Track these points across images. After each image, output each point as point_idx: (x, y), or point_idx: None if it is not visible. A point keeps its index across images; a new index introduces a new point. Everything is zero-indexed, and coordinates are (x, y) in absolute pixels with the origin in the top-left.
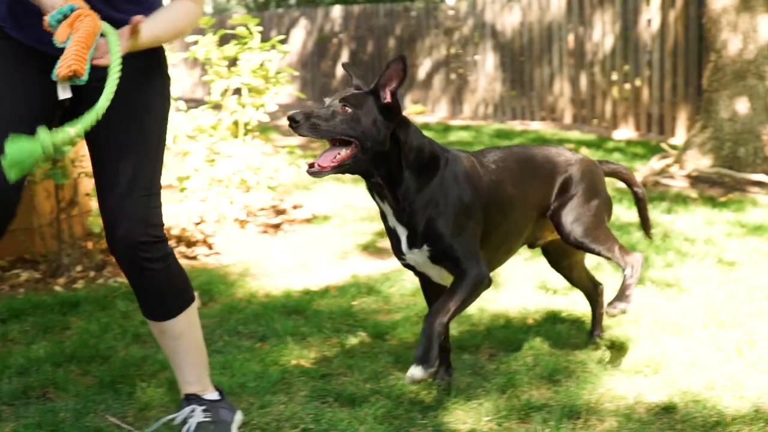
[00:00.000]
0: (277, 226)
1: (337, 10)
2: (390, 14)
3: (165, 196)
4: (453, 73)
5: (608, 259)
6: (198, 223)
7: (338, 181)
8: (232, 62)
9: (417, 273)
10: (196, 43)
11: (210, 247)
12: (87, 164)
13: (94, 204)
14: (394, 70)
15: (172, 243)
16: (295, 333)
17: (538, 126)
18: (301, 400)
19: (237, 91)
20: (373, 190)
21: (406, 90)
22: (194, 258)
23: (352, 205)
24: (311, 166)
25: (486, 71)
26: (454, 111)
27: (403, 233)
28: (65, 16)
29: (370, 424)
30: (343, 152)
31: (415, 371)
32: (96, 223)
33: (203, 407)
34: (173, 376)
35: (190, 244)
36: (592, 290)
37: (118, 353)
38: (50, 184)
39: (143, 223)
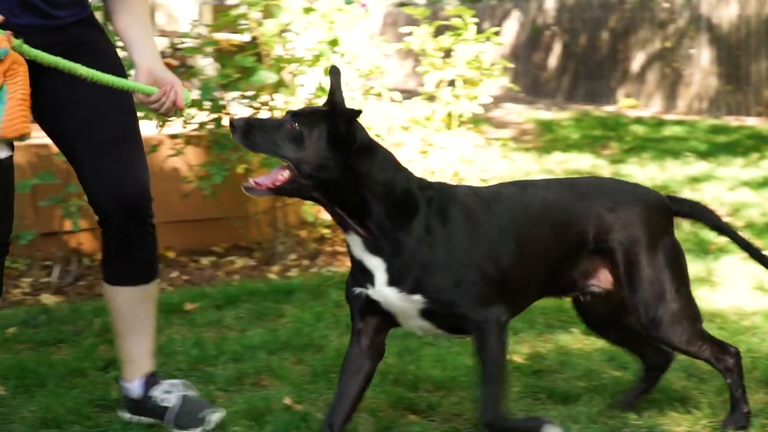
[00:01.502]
0: None
1: (550, 2)
2: (604, 6)
3: None
4: (667, 67)
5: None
6: None
7: (550, 174)
8: (447, 53)
9: (364, 316)
10: (410, 34)
11: None
12: None
13: None
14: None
15: None
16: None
17: (753, 122)
18: (513, 396)
19: (451, 83)
20: (333, 217)
21: (619, 83)
22: None
23: None
24: (247, 182)
25: (701, 65)
26: (667, 106)
27: (379, 267)
28: None
29: (584, 424)
30: (285, 174)
31: None
32: (310, 212)
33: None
34: (387, 369)
35: None
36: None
37: (331, 342)
38: (265, 172)
39: (148, 186)
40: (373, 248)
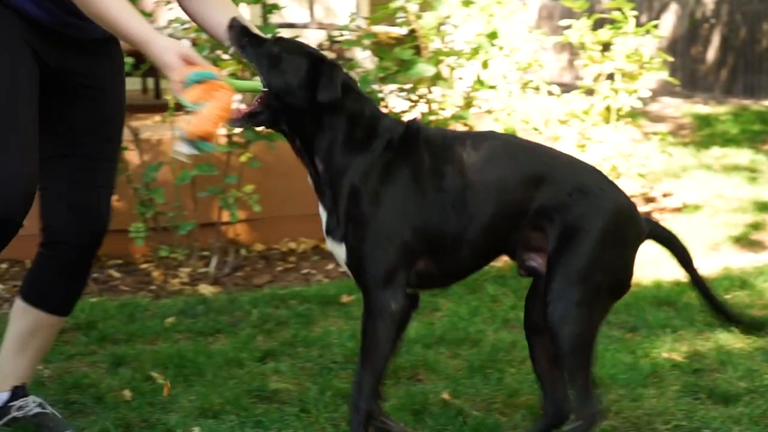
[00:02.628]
0: (647, 215)
1: None
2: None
3: None
4: None
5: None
6: None
7: (708, 170)
8: (605, 47)
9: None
10: (569, 27)
11: None
12: None
13: None
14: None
15: None
16: (666, 325)
17: None
18: (672, 395)
19: (610, 76)
20: (296, 154)
21: None
22: None
23: (724, 195)
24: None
25: None
26: None
27: (323, 213)
28: (203, 80)
29: (745, 425)
30: (258, 101)
31: None
32: None
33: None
34: None
35: None
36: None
37: (487, 337)
38: None
39: (108, 222)
40: (319, 190)
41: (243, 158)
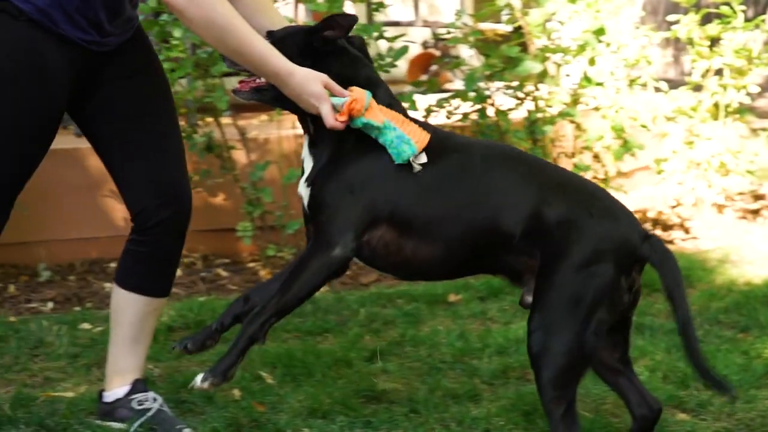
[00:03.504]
0: (755, 212)
1: None
2: None
3: (641, 178)
4: None
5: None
6: (674, 207)
7: None
8: (713, 42)
9: (306, 221)
10: (676, 22)
11: (687, 231)
12: (566, 144)
13: None
14: (342, 24)
15: (648, 226)
16: None
17: None
18: None
19: (718, 72)
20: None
21: None
22: (671, 242)
23: None
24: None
25: None
26: None
27: (308, 166)
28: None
29: None
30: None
31: (201, 381)
32: None
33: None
34: (656, 365)
35: (667, 227)
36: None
37: None
38: None
39: (191, 200)
40: (311, 146)
41: None
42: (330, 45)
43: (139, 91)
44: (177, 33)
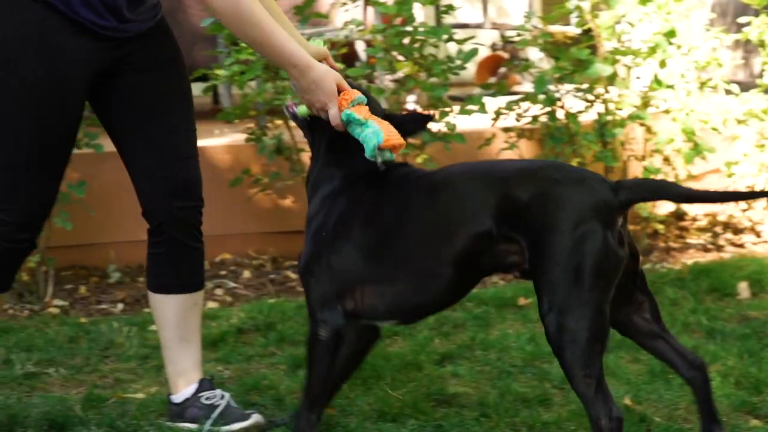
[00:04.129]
0: None
1: None
2: None
3: (711, 181)
4: None
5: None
6: (745, 210)
7: None
8: None
9: None
10: (747, 24)
11: (758, 234)
12: (636, 147)
13: None
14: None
15: (718, 230)
16: None
17: None
18: None
19: None
20: None
21: None
22: (741, 246)
23: None
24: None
25: None
26: None
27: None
28: (360, 103)
29: None
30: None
31: None
32: (643, 207)
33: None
34: (728, 371)
35: (737, 231)
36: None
37: None
38: (600, 166)
39: (200, 194)
40: (306, 182)
41: (419, 159)
42: None
43: (156, 85)
44: None
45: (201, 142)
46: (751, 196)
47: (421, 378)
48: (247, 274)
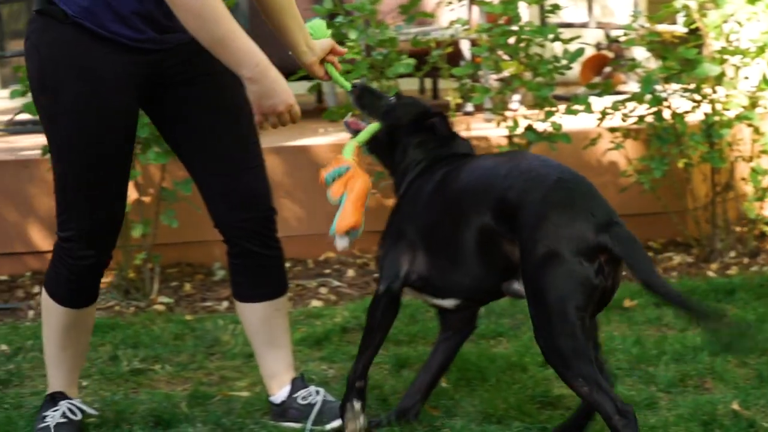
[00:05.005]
0: None
1: None
2: None
3: None
4: None
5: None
6: None
7: None
8: None
9: None
10: None
11: None
12: (744, 148)
13: (749, 188)
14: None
15: None
16: None
17: None
18: None
19: None
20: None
21: None
22: None
23: None
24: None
25: None
26: None
27: None
28: (340, 176)
29: None
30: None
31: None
32: (751, 208)
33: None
34: None
35: None
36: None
37: None
38: (707, 167)
39: (270, 202)
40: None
41: None
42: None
43: (207, 96)
44: (352, 35)
45: (306, 141)
46: (702, 314)
47: (525, 380)
48: (351, 272)
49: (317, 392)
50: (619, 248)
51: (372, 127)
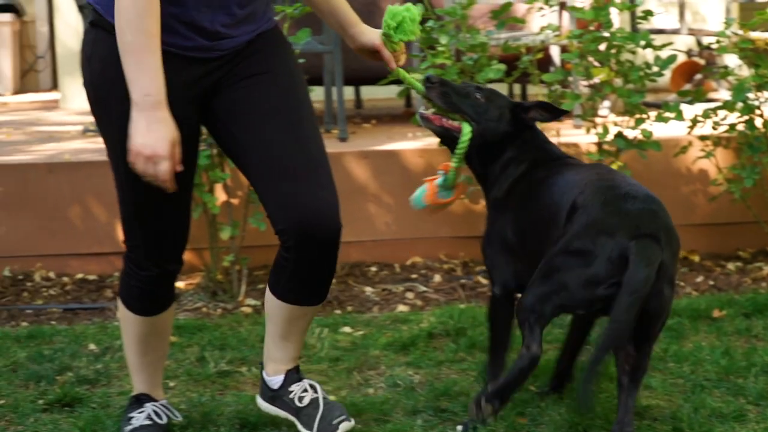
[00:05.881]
0: None
1: None
2: None
3: None
4: None
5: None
6: None
7: None
8: None
9: None
10: None
11: None
12: None
13: None
14: (552, 114)
15: None
16: None
17: None
18: None
19: None
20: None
21: None
22: None
23: None
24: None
25: None
26: None
27: None
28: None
29: None
30: (455, 124)
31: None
32: None
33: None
34: None
35: None
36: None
37: None
38: None
39: (336, 212)
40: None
41: (614, 166)
42: (530, 122)
43: (265, 103)
44: (443, 39)
45: (394, 146)
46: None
47: (612, 389)
48: (437, 278)
49: (311, 387)
50: (632, 258)
51: (467, 131)
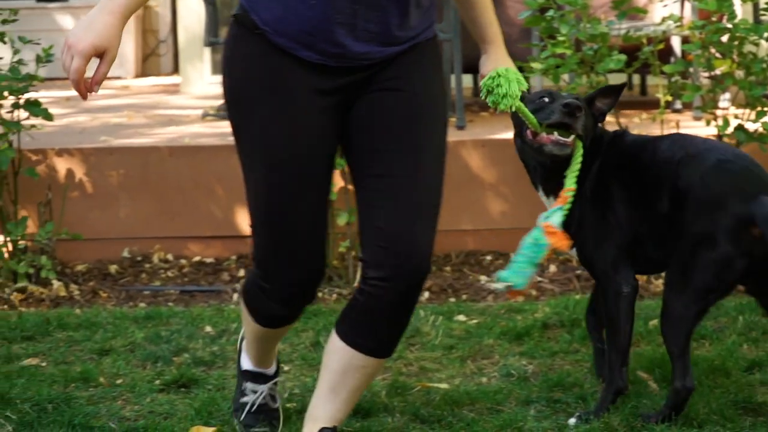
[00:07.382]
0: None
1: None
2: None
3: None
4: None
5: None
6: None
7: None
8: None
9: None
10: None
11: None
12: None
13: None
14: (614, 95)
15: None
16: None
17: None
18: None
19: None
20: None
21: None
22: None
23: None
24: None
25: None
26: None
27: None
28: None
29: None
30: (569, 140)
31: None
32: None
33: None
34: None
35: None
36: None
37: None
38: None
39: (428, 256)
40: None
41: None
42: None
43: (385, 117)
44: (563, 29)
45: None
46: None
47: (728, 384)
48: (553, 268)
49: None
50: (757, 212)
51: (580, 146)
